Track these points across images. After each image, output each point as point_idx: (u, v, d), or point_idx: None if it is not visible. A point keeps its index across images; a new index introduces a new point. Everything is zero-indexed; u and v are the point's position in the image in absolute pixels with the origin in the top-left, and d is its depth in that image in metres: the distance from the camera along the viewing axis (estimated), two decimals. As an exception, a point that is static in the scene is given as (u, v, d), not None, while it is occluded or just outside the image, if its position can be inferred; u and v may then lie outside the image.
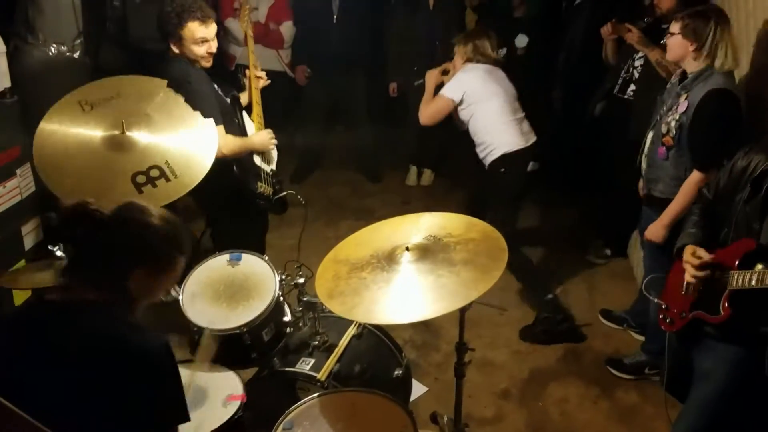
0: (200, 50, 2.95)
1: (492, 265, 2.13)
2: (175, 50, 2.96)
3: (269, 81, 3.47)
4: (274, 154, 3.40)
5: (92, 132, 2.62)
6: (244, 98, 3.42)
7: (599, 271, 4.38)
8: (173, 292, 1.80)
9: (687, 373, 2.43)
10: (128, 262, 1.59)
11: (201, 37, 2.92)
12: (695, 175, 2.80)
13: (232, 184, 3.06)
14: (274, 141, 3.29)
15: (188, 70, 2.95)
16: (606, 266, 4.42)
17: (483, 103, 3.59)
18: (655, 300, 2.49)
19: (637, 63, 4.09)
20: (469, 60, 3.67)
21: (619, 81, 4.25)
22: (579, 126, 4.86)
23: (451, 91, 3.60)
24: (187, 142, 2.64)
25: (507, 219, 3.67)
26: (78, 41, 3.56)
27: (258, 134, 3.22)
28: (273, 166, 3.35)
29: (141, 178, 2.43)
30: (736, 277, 2.08)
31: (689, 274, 2.23)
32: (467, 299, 2.06)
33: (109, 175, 2.41)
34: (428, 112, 3.70)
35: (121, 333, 1.54)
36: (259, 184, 3.14)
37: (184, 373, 2.33)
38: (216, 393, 2.28)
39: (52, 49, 3.52)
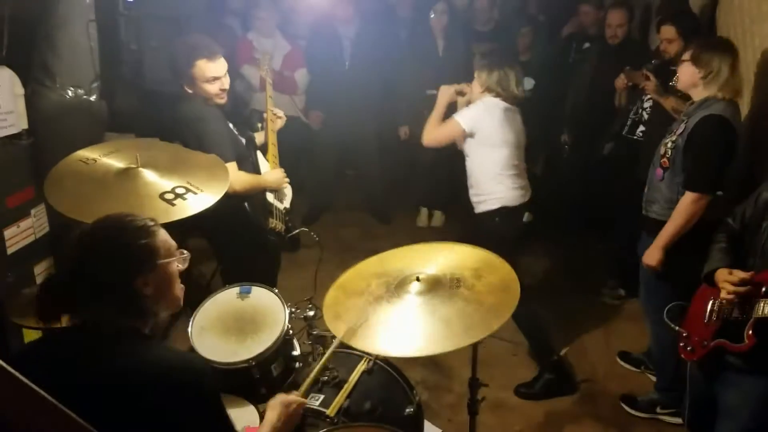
0: (212, 88, 2.97)
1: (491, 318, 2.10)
2: (189, 90, 2.99)
3: (285, 119, 3.52)
4: (288, 192, 3.41)
5: (105, 170, 2.54)
6: (259, 138, 3.46)
7: (614, 312, 4.32)
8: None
9: (709, 410, 2.37)
10: (124, 276, 1.56)
11: (211, 75, 2.95)
12: (687, 196, 2.81)
13: (243, 220, 3.06)
14: (287, 180, 3.31)
15: (202, 108, 2.99)
16: (621, 307, 4.37)
17: (492, 148, 3.39)
18: (676, 328, 2.44)
19: (646, 104, 4.14)
20: (489, 91, 3.41)
21: (628, 122, 4.29)
22: (588, 167, 4.88)
23: (466, 120, 3.36)
24: (202, 166, 2.65)
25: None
26: (95, 84, 3.62)
27: (272, 172, 3.25)
28: (286, 204, 3.37)
29: (169, 196, 2.40)
30: (762, 305, 2.05)
31: (726, 292, 2.18)
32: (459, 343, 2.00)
33: (136, 199, 2.37)
34: (436, 135, 3.48)
35: (166, 359, 1.54)
36: (271, 220, 3.15)
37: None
38: (237, 420, 2.23)
39: (69, 92, 3.58)
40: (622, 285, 4.42)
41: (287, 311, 2.55)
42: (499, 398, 3.45)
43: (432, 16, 5.12)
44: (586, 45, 4.99)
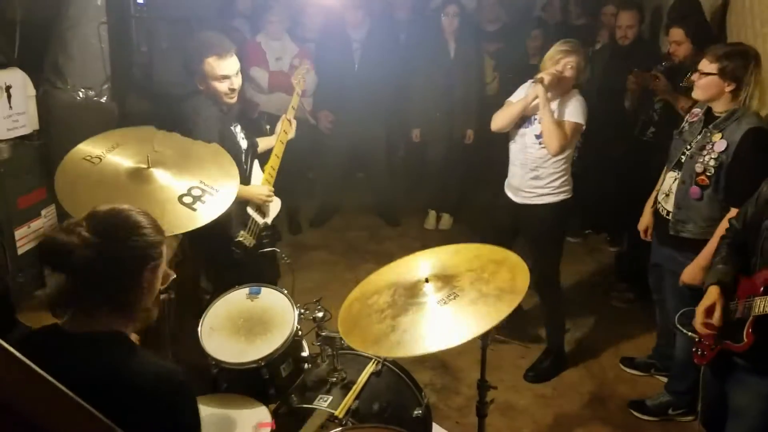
0: (222, 86, 2.95)
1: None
2: (201, 87, 2.98)
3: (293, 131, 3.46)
4: (274, 207, 3.27)
5: (115, 171, 2.50)
6: (265, 143, 3.39)
7: (623, 316, 4.30)
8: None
9: (723, 410, 2.37)
10: (136, 270, 1.53)
11: (221, 73, 2.92)
12: (734, 213, 2.70)
13: (213, 227, 2.63)
14: (270, 199, 3.16)
15: (202, 105, 2.95)
16: (629, 310, 4.34)
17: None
18: (689, 334, 2.43)
19: (656, 105, 4.12)
20: (578, 86, 3.39)
21: (639, 123, 4.27)
22: (598, 169, 4.86)
23: (582, 116, 3.31)
24: (207, 161, 2.63)
25: (560, 255, 3.65)
26: (105, 86, 3.64)
27: (256, 187, 3.12)
28: (268, 220, 3.22)
29: (187, 199, 2.38)
30: (758, 302, 2.05)
31: (698, 324, 2.26)
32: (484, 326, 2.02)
33: (156, 204, 2.33)
34: (564, 142, 3.26)
35: (141, 366, 1.49)
36: (242, 233, 3.02)
37: (213, 401, 2.33)
38: (245, 421, 2.26)
39: (80, 94, 3.60)
40: (632, 288, 4.40)
41: (296, 312, 2.55)
42: (507, 401, 3.44)
43: (443, 18, 5.12)
44: (597, 47, 4.98)
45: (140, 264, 1.53)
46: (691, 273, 2.89)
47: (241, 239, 2.99)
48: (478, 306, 2.06)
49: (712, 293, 2.24)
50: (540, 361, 3.70)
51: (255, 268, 3.02)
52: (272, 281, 3.08)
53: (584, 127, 3.35)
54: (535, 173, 3.38)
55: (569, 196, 3.46)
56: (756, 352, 2.12)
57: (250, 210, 3.09)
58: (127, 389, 1.43)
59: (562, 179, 3.40)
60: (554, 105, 3.32)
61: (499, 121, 3.43)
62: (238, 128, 3.15)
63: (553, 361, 3.70)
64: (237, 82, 3.00)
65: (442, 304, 2.11)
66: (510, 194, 3.54)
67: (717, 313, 2.20)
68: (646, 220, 3.33)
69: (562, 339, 3.76)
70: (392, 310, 2.15)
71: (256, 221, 3.11)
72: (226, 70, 2.94)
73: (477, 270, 2.22)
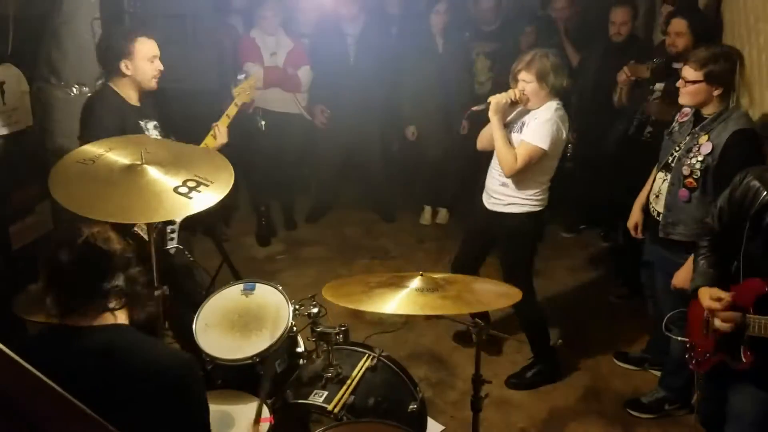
0: (151, 68, 2.95)
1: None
2: (126, 72, 2.92)
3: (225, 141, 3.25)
4: None
5: (109, 168, 2.41)
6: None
7: (618, 310, 4.31)
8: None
9: (721, 407, 2.38)
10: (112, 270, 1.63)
11: (152, 54, 2.94)
12: None
13: None
14: None
15: (105, 99, 2.93)
16: (625, 306, 4.35)
17: (553, 159, 3.23)
18: (679, 339, 2.43)
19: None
20: (556, 94, 3.18)
21: (634, 122, 4.24)
22: (593, 168, 4.87)
23: (545, 141, 3.11)
24: (200, 160, 2.58)
25: (529, 268, 3.50)
26: (99, 81, 3.64)
27: None
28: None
29: (183, 189, 2.33)
30: (753, 323, 2.06)
31: (718, 321, 2.18)
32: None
33: (152, 195, 2.29)
34: (519, 166, 3.12)
35: (153, 351, 1.58)
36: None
37: (211, 398, 2.32)
38: (243, 416, 2.26)
39: (74, 89, 3.60)
40: (627, 284, 4.41)
41: (291, 308, 2.55)
42: (502, 395, 3.45)
43: (433, 15, 5.11)
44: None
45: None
46: (683, 278, 2.83)
47: (137, 230, 2.86)
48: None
49: (705, 293, 2.23)
50: (524, 370, 3.61)
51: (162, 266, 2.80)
52: (184, 281, 3.04)
53: (546, 151, 3.12)
54: (503, 179, 3.29)
55: (540, 208, 3.32)
56: (756, 369, 2.13)
57: None
58: (141, 373, 1.50)
59: (534, 191, 3.28)
60: (526, 118, 3.22)
61: (480, 142, 3.45)
62: (152, 124, 3.08)
63: (538, 372, 3.58)
64: (160, 65, 3.00)
65: (420, 292, 2.18)
66: (484, 199, 3.47)
67: (724, 296, 2.16)
68: (635, 217, 3.33)
69: (550, 352, 3.63)
70: (377, 283, 2.23)
71: None
72: (155, 51, 2.95)
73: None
